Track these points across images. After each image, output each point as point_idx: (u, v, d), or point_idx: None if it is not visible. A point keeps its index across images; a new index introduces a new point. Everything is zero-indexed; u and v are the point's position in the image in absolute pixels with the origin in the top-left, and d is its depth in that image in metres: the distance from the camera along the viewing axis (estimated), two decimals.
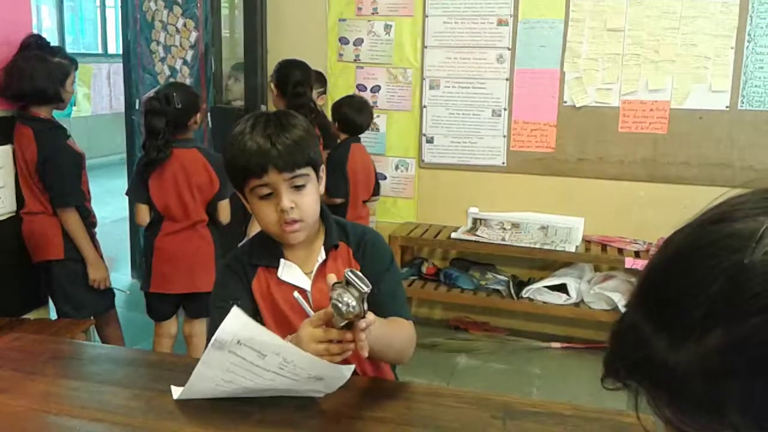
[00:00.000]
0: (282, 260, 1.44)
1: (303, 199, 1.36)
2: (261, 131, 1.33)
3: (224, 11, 4.24)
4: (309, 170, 1.38)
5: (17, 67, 2.64)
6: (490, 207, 3.74)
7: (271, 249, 1.44)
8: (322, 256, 1.44)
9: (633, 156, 3.51)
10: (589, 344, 3.55)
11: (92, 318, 2.82)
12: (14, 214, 2.78)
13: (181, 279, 2.72)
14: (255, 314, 1.45)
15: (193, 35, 3.95)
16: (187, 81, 3.88)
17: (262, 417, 1.24)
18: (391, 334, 1.34)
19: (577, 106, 3.55)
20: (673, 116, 3.43)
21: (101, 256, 2.84)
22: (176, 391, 1.30)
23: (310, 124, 1.43)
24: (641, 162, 3.50)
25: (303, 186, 1.36)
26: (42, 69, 2.64)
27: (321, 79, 3.59)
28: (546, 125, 3.61)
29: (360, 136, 3.41)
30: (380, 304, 1.36)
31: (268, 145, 1.32)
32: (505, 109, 3.65)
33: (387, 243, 1.55)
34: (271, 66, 3.30)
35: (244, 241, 1.61)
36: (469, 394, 1.36)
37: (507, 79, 3.62)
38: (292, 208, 1.34)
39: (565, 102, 3.56)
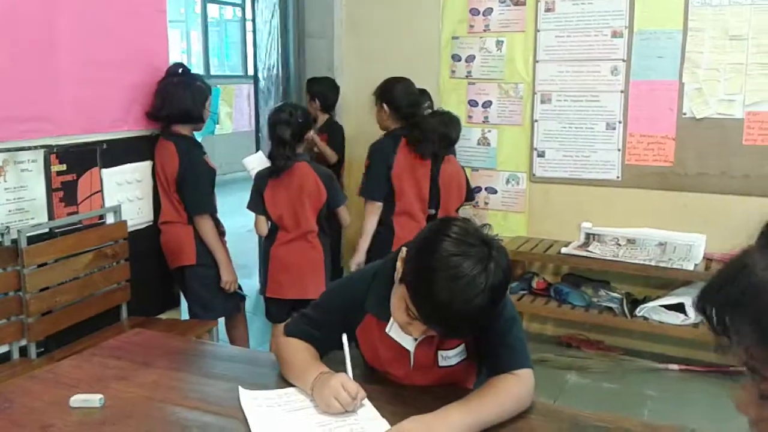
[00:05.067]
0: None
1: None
2: (465, 289, 1.18)
3: None
4: None
5: (167, 92, 2.95)
6: (604, 222, 3.65)
7: (387, 303, 1.38)
8: None
9: (760, 170, 3.31)
10: (709, 367, 3.37)
11: (219, 319, 3.07)
12: (151, 223, 3.09)
13: (293, 286, 2.92)
14: (342, 333, 1.45)
15: None
16: None
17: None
18: (487, 418, 1.29)
19: (698, 118, 3.40)
20: None
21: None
22: (243, 393, 1.42)
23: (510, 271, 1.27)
24: None
25: None
26: (187, 93, 2.95)
27: (427, 96, 3.67)
28: (664, 138, 3.48)
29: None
30: (493, 354, 1.38)
31: (452, 314, 1.20)
32: (619, 122, 3.57)
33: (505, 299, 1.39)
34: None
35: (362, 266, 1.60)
36: (540, 406, 1.38)
37: (621, 92, 3.54)
38: (417, 337, 1.35)
39: (685, 114, 3.42)
